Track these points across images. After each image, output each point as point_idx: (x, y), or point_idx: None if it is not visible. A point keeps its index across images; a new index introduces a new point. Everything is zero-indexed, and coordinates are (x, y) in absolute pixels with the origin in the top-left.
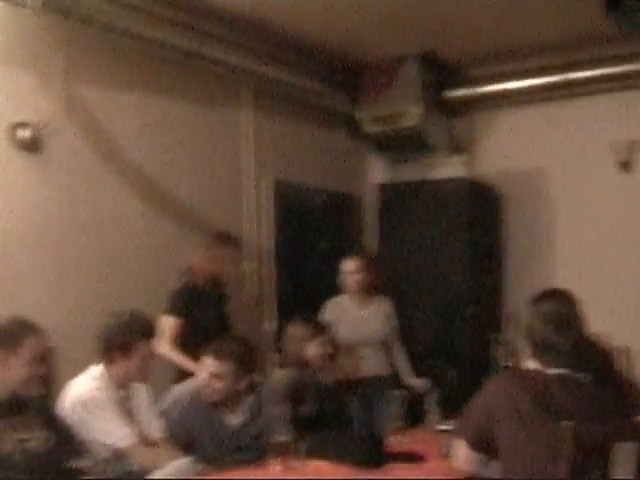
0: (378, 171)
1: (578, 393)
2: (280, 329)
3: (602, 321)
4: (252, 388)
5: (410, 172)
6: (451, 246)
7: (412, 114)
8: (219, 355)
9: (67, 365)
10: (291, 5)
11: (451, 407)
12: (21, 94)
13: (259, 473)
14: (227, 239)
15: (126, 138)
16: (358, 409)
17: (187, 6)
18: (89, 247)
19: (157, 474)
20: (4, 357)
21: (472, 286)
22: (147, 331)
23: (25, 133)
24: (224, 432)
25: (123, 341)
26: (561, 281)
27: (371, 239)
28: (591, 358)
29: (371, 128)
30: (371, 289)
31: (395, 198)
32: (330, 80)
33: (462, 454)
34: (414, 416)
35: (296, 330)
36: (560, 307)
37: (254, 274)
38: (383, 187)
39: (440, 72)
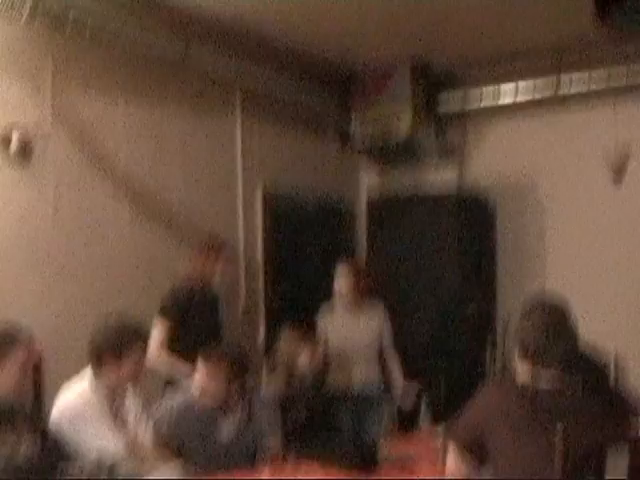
0: (369, 183)
1: (569, 405)
2: (270, 338)
3: (594, 331)
4: (244, 393)
5: (401, 182)
6: (442, 259)
7: (403, 126)
8: (213, 359)
9: (57, 372)
10: (281, 14)
11: (443, 412)
12: (9, 102)
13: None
14: (213, 248)
15: (115, 146)
16: (348, 416)
17: (175, 14)
18: (78, 255)
19: None
20: None
21: (464, 298)
22: (138, 336)
23: (14, 141)
24: (216, 440)
25: (114, 346)
26: (554, 290)
27: (362, 251)
28: (582, 369)
29: (362, 140)
30: (364, 295)
31: (386, 212)
32: (321, 90)
33: (453, 459)
34: (406, 421)
35: (286, 340)
36: (551, 317)
37: (244, 283)
38: (374, 201)
39: (431, 84)
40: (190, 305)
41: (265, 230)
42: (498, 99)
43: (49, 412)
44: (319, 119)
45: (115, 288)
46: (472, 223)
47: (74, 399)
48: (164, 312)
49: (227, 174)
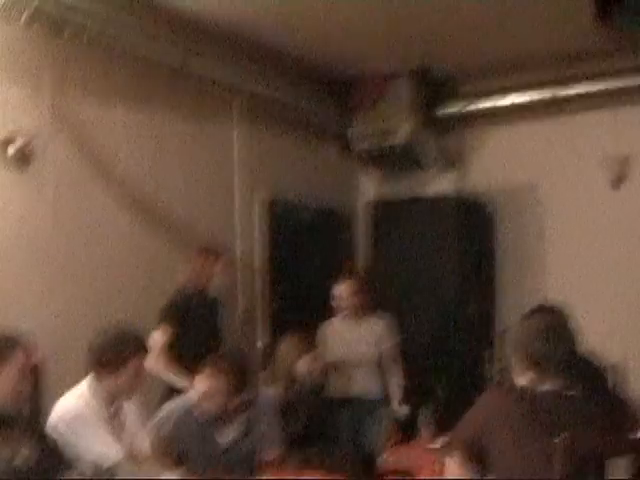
0: (369, 187)
1: (569, 408)
2: (269, 343)
3: (593, 336)
4: (246, 404)
5: (401, 188)
6: (442, 262)
7: (403, 130)
8: (215, 370)
9: (56, 376)
10: (281, 19)
11: (443, 423)
12: (9, 107)
13: None
14: (210, 252)
15: (114, 151)
16: (347, 423)
17: (175, 18)
18: (77, 256)
19: None
20: None
21: (464, 303)
22: (138, 347)
23: (13, 146)
24: (216, 449)
25: (114, 357)
26: (553, 297)
27: (362, 255)
28: (582, 373)
29: (362, 144)
30: (365, 309)
31: (386, 216)
32: (320, 94)
33: (454, 468)
34: (406, 432)
35: (286, 346)
36: (551, 322)
37: (242, 287)
38: (374, 205)
39: (431, 88)
40: (189, 309)
41: (264, 234)
42: (498, 103)
43: (48, 416)
44: (318, 124)
45: (115, 289)
46: (472, 226)
47: (73, 403)
48: (164, 317)
49: (226, 178)
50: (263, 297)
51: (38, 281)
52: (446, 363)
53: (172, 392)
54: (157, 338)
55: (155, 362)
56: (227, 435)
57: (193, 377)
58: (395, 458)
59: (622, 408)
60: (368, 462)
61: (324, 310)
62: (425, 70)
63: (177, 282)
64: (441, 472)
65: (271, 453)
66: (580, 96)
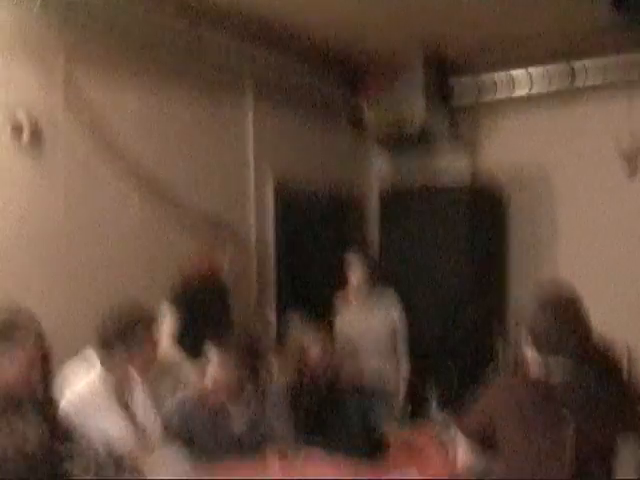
0: (381, 170)
1: (581, 395)
2: (281, 328)
3: (607, 323)
4: (257, 384)
5: (413, 171)
6: (454, 250)
7: (417, 115)
8: (226, 358)
9: (64, 360)
10: (297, 4)
11: (453, 406)
12: (20, 88)
13: (258, 474)
14: (221, 232)
15: (125, 135)
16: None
17: (188, 3)
18: (87, 242)
19: (155, 476)
20: (1, 357)
21: (476, 290)
22: (148, 326)
23: (24, 127)
24: (228, 437)
25: (123, 335)
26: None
27: (373, 242)
28: (594, 358)
29: (374, 127)
30: (375, 285)
31: (398, 203)
32: (333, 78)
33: (461, 452)
34: (415, 413)
35: (296, 331)
36: (564, 308)
37: (255, 272)
38: (386, 192)
39: (445, 74)
40: (199, 295)
41: (276, 219)
42: (512, 89)
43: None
44: (331, 107)
45: (126, 275)
46: (484, 214)
47: (84, 387)
48: (173, 302)
49: (238, 162)
50: (275, 281)
51: (50, 265)
52: (458, 352)
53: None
54: (167, 321)
55: (165, 346)
56: (239, 423)
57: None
58: (404, 444)
59: (636, 397)
60: (376, 447)
61: (332, 293)
62: (440, 55)
63: (188, 265)
64: (450, 453)
65: (281, 437)
66: (595, 83)
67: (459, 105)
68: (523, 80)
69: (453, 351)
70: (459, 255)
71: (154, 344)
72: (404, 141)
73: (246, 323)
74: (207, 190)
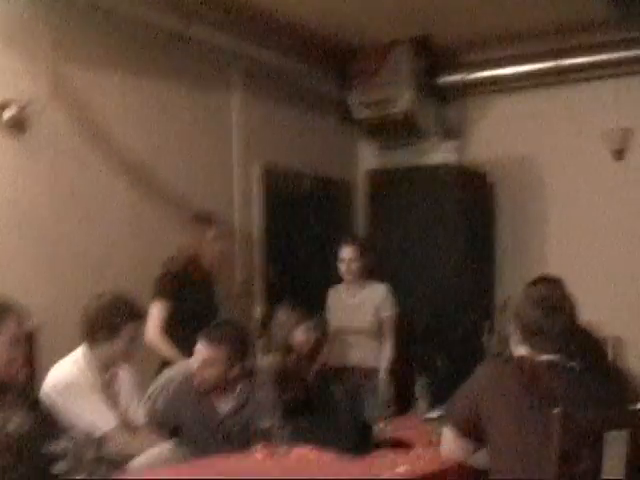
0: (368, 157)
1: (567, 379)
2: (267, 315)
3: (592, 309)
4: (245, 375)
5: (401, 158)
6: (442, 233)
7: (403, 99)
8: (213, 340)
9: (51, 347)
10: None
11: (440, 394)
12: (6, 73)
13: (242, 460)
14: (204, 218)
15: (112, 119)
16: (344, 396)
17: None
18: (74, 228)
19: (138, 459)
20: None
21: (463, 273)
22: (133, 313)
23: (10, 113)
24: (213, 418)
25: (108, 322)
26: (553, 268)
27: (361, 225)
28: (581, 344)
29: (362, 113)
30: (367, 275)
31: (385, 184)
32: (320, 64)
33: (449, 442)
34: (403, 403)
35: (283, 316)
36: (550, 292)
37: (240, 259)
38: (373, 173)
39: (432, 57)
40: (184, 283)
41: (263, 205)
42: (498, 73)
43: (42, 383)
44: (319, 95)
45: (111, 263)
46: (472, 195)
47: (67, 370)
48: (159, 292)
49: (225, 149)
50: (260, 267)
51: (33, 249)
52: (445, 334)
53: (167, 362)
54: (154, 311)
55: (152, 335)
56: (226, 405)
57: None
58: (391, 428)
59: (621, 380)
60: (364, 431)
61: (321, 279)
62: (426, 39)
63: (172, 254)
64: (437, 443)
65: (264, 423)
66: (582, 66)
67: (446, 90)
68: (510, 63)
69: (440, 332)
70: (447, 237)
71: (138, 326)
72: (391, 125)
73: (233, 307)
74: (193, 174)
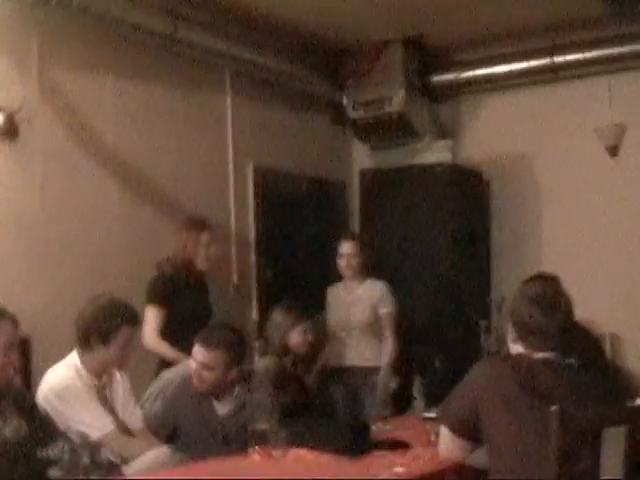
0: (362, 157)
1: (564, 377)
2: (262, 317)
3: (589, 307)
4: (242, 378)
5: (394, 157)
6: (436, 232)
7: (396, 99)
8: (209, 344)
9: (44, 353)
10: None
11: (438, 394)
12: None
13: (239, 462)
14: (196, 223)
15: (102, 123)
16: (342, 396)
17: None
18: (67, 233)
19: (134, 464)
20: None
21: (459, 273)
22: (128, 318)
23: (0, 119)
24: (212, 419)
25: (103, 327)
26: (549, 266)
27: (356, 226)
28: (578, 342)
29: (354, 113)
30: (365, 272)
31: (379, 183)
32: (312, 64)
33: (446, 441)
34: (400, 403)
35: (278, 317)
36: (546, 290)
37: (235, 260)
38: (367, 172)
39: (424, 56)
40: (178, 286)
41: (257, 206)
42: (492, 72)
43: (38, 387)
44: (312, 95)
45: (104, 267)
46: (467, 194)
47: (62, 375)
48: (153, 296)
49: (218, 150)
50: (256, 269)
51: (26, 254)
52: (442, 332)
53: (165, 367)
54: (149, 315)
55: (150, 339)
56: (224, 407)
57: (186, 352)
58: (390, 428)
59: (618, 377)
60: (362, 431)
61: (317, 280)
62: (418, 38)
63: (164, 258)
64: (436, 442)
65: (261, 425)
66: (575, 63)
67: (439, 88)
68: (504, 61)
69: (436, 330)
70: (442, 236)
71: (134, 330)
72: (384, 124)
73: (228, 310)
74: (187, 177)
